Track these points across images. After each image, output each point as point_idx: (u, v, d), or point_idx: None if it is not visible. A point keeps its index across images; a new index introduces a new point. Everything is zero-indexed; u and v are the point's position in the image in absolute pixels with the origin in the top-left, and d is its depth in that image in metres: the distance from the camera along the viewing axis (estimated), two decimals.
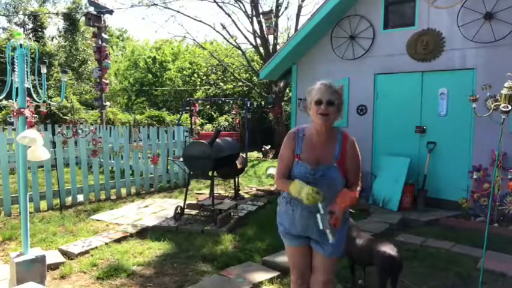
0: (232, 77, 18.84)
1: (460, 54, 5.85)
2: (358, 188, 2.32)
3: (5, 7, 26.03)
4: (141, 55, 25.55)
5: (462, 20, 5.76)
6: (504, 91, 2.92)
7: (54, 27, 25.25)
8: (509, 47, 5.42)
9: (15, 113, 3.25)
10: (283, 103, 14.35)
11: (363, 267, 3.45)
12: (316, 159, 2.26)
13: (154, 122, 16.59)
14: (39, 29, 23.74)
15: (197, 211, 5.56)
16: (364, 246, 3.15)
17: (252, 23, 14.10)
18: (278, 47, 13.51)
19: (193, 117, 10.56)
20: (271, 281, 3.60)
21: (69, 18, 23.16)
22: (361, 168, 2.37)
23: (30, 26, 24.30)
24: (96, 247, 4.36)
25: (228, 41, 15.48)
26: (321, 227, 2.11)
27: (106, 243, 4.49)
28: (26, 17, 24.50)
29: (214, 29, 16.61)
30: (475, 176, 5.57)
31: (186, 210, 5.52)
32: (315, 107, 2.20)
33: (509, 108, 2.86)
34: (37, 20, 23.61)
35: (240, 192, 7.09)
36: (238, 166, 6.19)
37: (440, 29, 5.99)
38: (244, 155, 6.42)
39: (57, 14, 24.01)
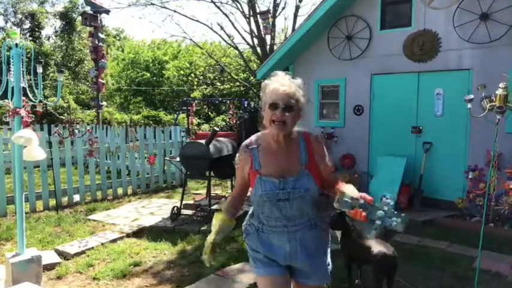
0: (229, 77, 18.83)
1: (456, 55, 5.88)
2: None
3: (4, 8, 25.95)
4: (138, 54, 25.49)
5: (458, 20, 5.78)
6: (499, 91, 2.94)
7: (51, 27, 25.18)
8: (505, 47, 5.45)
9: (10, 113, 3.24)
10: None
11: (358, 267, 3.46)
12: (281, 170, 1.85)
13: (151, 122, 16.56)
14: (36, 29, 23.65)
15: (194, 211, 5.55)
16: (361, 246, 3.16)
17: (249, 23, 14.09)
18: (275, 47, 13.50)
19: (190, 117, 10.55)
20: None
21: (66, 17, 23.08)
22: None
23: (28, 25, 24.21)
24: (93, 247, 4.35)
25: (225, 41, 15.46)
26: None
27: (102, 244, 4.47)
28: (24, 16, 24.40)
29: (211, 29, 16.58)
30: (470, 176, 5.59)
31: (183, 211, 5.51)
32: (269, 111, 1.78)
33: (505, 108, 2.87)
34: (34, 20, 23.52)
35: None
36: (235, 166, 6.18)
37: (436, 30, 6.01)
38: None
39: (54, 14, 23.92)
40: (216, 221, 2.01)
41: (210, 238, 2.00)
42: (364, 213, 1.60)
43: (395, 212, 1.58)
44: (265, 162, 1.88)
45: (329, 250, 2.03)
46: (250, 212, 2.03)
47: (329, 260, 2.02)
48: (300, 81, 1.84)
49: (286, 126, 1.78)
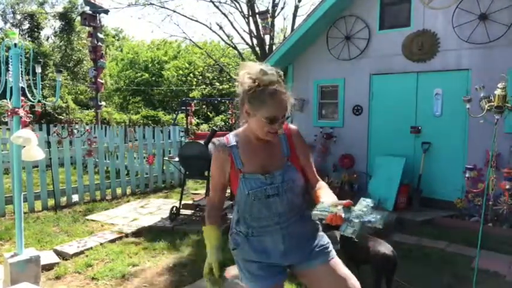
0: (228, 77, 18.84)
1: (455, 55, 5.89)
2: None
3: (3, 9, 25.93)
4: (137, 54, 25.48)
5: (457, 21, 5.79)
6: (498, 91, 2.94)
7: (50, 28, 25.21)
8: (504, 47, 5.46)
9: (9, 113, 3.23)
10: None
11: (357, 266, 3.47)
12: (265, 165, 1.76)
13: (150, 122, 16.55)
14: (36, 30, 23.64)
15: (193, 211, 5.55)
16: (360, 246, 3.16)
17: (248, 23, 14.12)
18: (274, 47, 13.52)
19: (189, 117, 10.55)
20: None
21: (65, 18, 23.07)
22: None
23: (27, 26, 24.19)
24: (91, 247, 4.34)
25: (224, 41, 15.48)
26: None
27: (101, 244, 4.47)
28: (23, 17, 24.39)
29: (210, 28, 16.61)
30: (469, 176, 5.60)
31: (182, 211, 5.51)
32: (265, 124, 1.65)
33: (503, 108, 2.88)
34: (34, 21, 23.51)
35: None
36: None
37: (435, 30, 6.02)
38: None
39: (54, 15, 23.91)
40: (211, 239, 1.78)
41: (213, 258, 1.74)
42: (341, 215, 1.52)
43: (376, 210, 1.56)
44: (247, 159, 1.77)
45: (321, 233, 1.93)
46: (234, 219, 1.89)
47: (326, 239, 1.90)
48: (281, 73, 1.71)
49: (278, 133, 1.73)
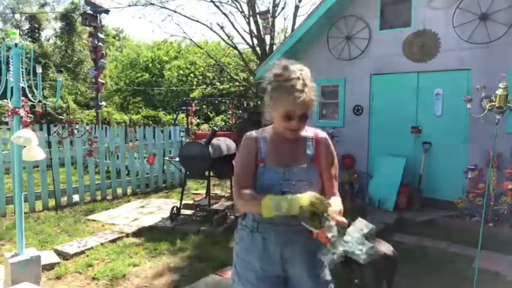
0: (228, 77, 18.85)
1: (455, 55, 5.88)
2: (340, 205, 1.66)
3: (4, 9, 25.99)
4: (138, 54, 25.49)
5: (458, 20, 5.78)
6: (499, 91, 2.94)
7: (51, 29, 25.25)
8: (504, 47, 5.46)
9: (10, 113, 3.23)
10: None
11: (358, 267, 3.46)
12: (286, 159, 1.74)
13: (150, 122, 16.56)
14: (36, 31, 23.67)
15: (193, 211, 5.55)
16: None
17: (248, 23, 14.10)
18: (275, 47, 13.51)
19: (189, 117, 10.55)
20: None
21: (67, 18, 23.09)
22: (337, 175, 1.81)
23: (27, 26, 24.23)
24: (92, 247, 4.34)
25: (225, 41, 15.46)
26: (336, 248, 1.44)
27: (102, 244, 4.47)
28: (23, 18, 24.44)
29: (211, 29, 16.56)
30: (470, 176, 5.60)
31: (183, 211, 5.51)
32: (283, 122, 1.65)
33: (504, 108, 2.88)
34: (34, 22, 23.54)
35: None
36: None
37: (436, 30, 6.01)
38: None
39: (55, 17, 23.94)
40: (270, 200, 1.56)
41: (304, 197, 1.51)
42: (328, 235, 1.41)
43: (366, 240, 1.46)
44: (270, 151, 1.76)
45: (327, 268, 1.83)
46: (242, 213, 1.86)
47: (329, 276, 1.80)
48: (308, 72, 1.69)
49: (299, 131, 1.72)
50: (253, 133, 1.83)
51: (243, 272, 1.78)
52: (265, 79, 1.72)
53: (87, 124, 14.04)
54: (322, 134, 1.83)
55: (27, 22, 24.26)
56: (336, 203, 1.61)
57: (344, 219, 1.50)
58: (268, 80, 1.69)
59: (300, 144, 1.77)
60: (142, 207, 6.30)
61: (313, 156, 1.76)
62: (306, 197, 1.48)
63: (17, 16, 25.56)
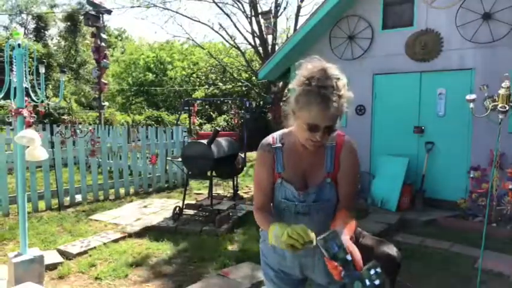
0: (231, 77, 18.85)
1: (458, 55, 5.86)
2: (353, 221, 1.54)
3: (12, 8, 26.06)
4: (140, 54, 25.50)
5: (460, 20, 5.77)
6: (502, 91, 2.93)
7: (55, 29, 25.31)
8: (507, 47, 5.44)
9: (13, 113, 3.24)
10: (282, 103, 14.37)
11: None
12: (303, 176, 1.63)
13: (153, 122, 16.57)
14: (42, 30, 23.75)
15: (196, 211, 5.55)
16: (363, 246, 3.15)
17: (251, 23, 14.12)
18: (277, 47, 13.51)
19: (192, 117, 10.55)
20: None
21: (72, 19, 23.15)
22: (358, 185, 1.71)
23: (33, 26, 24.30)
24: (95, 247, 4.35)
25: (227, 41, 15.49)
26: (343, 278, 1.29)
27: (104, 244, 4.48)
28: (30, 17, 24.52)
29: (213, 29, 16.61)
30: (473, 176, 5.58)
31: (185, 211, 5.51)
32: (305, 131, 1.47)
33: (507, 108, 2.86)
34: (41, 21, 23.61)
35: (239, 192, 7.09)
36: (237, 166, 6.19)
37: (438, 30, 6.00)
38: (243, 155, 6.42)
39: (62, 16, 24.00)
40: (274, 228, 1.44)
41: (297, 227, 1.36)
42: (342, 272, 1.26)
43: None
44: (289, 164, 1.64)
45: None
46: None
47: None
48: (345, 80, 1.53)
49: (322, 143, 1.53)
50: (269, 140, 1.68)
51: (265, 267, 1.81)
52: (296, 77, 1.53)
53: (90, 124, 14.08)
54: (347, 138, 1.67)
55: (34, 21, 24.34)
56: (348, 230, 1.43)
57: (358, 258, 1.28)
58: (299, 82, 1.49)
59: (320, 154, 1.62)
60: (145, 207, 6.31)
61: (332, 169, 1.62)
62: (286, 231, 1.34)
63: (23, 15, 25.68)
